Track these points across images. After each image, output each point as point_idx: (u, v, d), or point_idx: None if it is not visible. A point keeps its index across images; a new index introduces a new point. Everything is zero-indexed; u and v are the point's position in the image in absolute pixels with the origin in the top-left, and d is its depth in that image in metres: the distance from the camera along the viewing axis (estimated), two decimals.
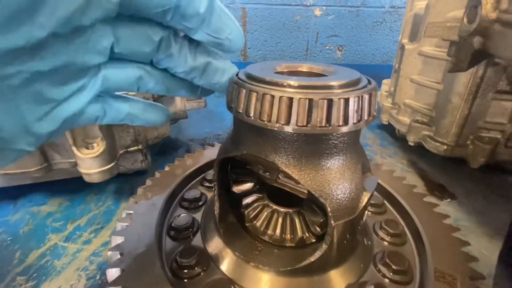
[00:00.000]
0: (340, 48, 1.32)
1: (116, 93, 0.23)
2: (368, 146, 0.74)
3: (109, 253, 0.26)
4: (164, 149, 0.66)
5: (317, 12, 1.24)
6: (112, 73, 0.20)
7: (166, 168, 0.40)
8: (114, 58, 0.19)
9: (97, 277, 0.34)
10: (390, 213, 0.34)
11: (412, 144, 0.65)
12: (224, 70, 0.22)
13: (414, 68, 0.64)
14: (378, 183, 0.36)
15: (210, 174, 0.40)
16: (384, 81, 0.90)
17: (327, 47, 1.32)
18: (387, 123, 0.77)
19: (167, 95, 0.48)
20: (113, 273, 0.24)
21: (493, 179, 0.58)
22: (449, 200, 0.52)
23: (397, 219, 0.33)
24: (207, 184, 0.40)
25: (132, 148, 0.47)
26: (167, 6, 0.17)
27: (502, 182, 0.58)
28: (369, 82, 0.23)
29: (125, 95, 0.24)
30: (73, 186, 0.49)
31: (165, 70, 0.22)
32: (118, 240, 0.27)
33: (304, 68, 0.26)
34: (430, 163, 0.63)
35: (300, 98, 0.18)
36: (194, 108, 0.64)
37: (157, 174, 0.38)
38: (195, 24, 0.18)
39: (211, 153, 0.44)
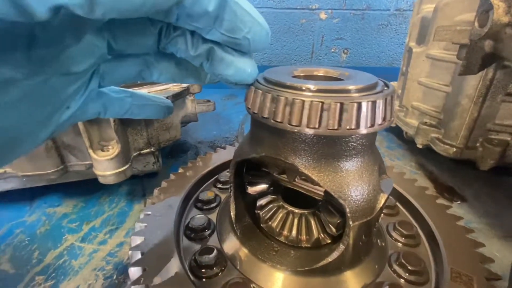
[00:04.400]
0: (345, 51, 1.33)
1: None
2: None
3: (130, 252, 0.26)
4: (173, 151, 0.67)
5: (323, 15, 1.25)
6: (111, 70, 0.19)
7: (180, 170, 0.41)
8: (115, 54, 0.18)
9: (114, 277, 0.35)
10: (403, 215, 0.34)
11: (420, 146, 0.65)
12: (231, 63, 0.19)
13: (422, 71, 0.64)
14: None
15: (223, 176, 0.41)
16: (391, 83, 0.90)
17: (332, 50, 1.33)
18: (394, 125, 0.77)
19: (174, 83, 0.48)
20: (135, 272, 0.25)
21: (503, 181, 0.58)
22: (459, 202, 0.52)
23: (410, 220, 0.33)
24: (220, 185, 0.40)
25: (145, 151, 0.48)
26: (164, 7, 0.14)
27: None
28: (386, 85, 0.24)
29: (128, 90, 0.23)
30: (86, 188, 0.50)
31: (170, 58, 0.20)
32: (137, 240, 0.28)
33: (321, 72, 0.27)
34: (438, 166, 0.63)
35: (331, 103, 0.19)
36: (204, 111, 0.65)
37: (172, 176, 0.39)
38: (205, 23, 0.17)
39: (223, 155, 0.45)
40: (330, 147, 0.21)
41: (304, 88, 0.20)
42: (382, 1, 1.23)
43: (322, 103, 0.19)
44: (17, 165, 0.41)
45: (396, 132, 0.78)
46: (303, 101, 0.19)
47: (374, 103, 0.20)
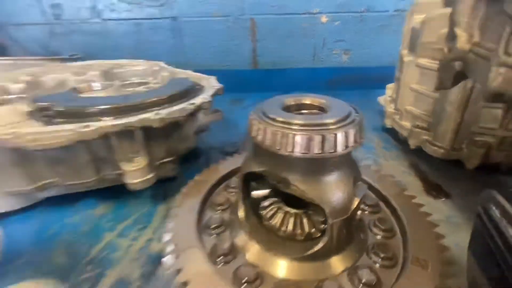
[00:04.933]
0: (346, 52, 1.37)
1: None
2: (372, 149, 0.80)
3: (164, 245, 0.34)
4: (188, 157, 0.75)
5: (323, 19, 1.30)
6: None
7: (196, 177, 0.48)
8: None
9: (148, 265, 0.43)
10: (384, 212, 0.41)
11: (413, 147, 0.70)
12: None
13: (413, 78, 0.69)
14: (374, 187, 0.43)
15: (232, 182, 0.48)
16: (388, 85, 0.95)
17: (334, 52, 1.38)
18: (391, 127, 0.82)
19: None
20: (168, 260, 0.32)
21: (490, 179, 0.63)
22: (443, 199, 0.57)
23: (388, 217, 0.40)
24: (230, 190, 0.47)
25: (166, 159, 0.56)
26: None
27: (497, 181, 0.63)
28: (357, 112, 0.30)
29: None
30: (117, 192, 0.58)
31: None
32: (168, 236, 0.35)
33: (308, 100, 0.34)
34: (429, 165, 0.69)
35: (315, 135, 0.26)
36: (213, 120, 0.73)
37: (190, 183, 0.46)
38: None
39: (231, 163, 0.52)
40: (314, 165, 0.28)
41: (295, 123, 0.27)
42: (381, 2, 1.27)
43: (309, 136, 0.26)
44: (63, 175, 0.50)
45: (392, 133, 0.84)
46: (295, 134, 0.26)
47: (347, 132, 0.26)
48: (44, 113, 0.51)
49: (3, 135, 0.41)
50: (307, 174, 0.29)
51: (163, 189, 0.61)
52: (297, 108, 0.33)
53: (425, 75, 0.65)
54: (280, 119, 0.28)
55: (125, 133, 0.47)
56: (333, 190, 0.28)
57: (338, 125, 0.27)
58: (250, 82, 1.39)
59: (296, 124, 0.27)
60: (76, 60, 1.18)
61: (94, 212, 0.55)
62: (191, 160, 0.74)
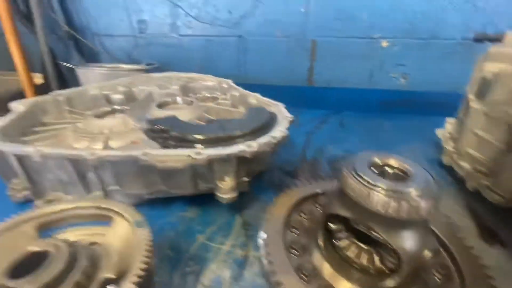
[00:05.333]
0: (405, 76, 1.38)
1: None
2: None
3: (263, 259, 0.45)
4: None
5: (384, 44, 1.32)
6: None
7: (275, 201, 0.58)
8: None
9: (236, 268, 0.54)
10: (444, 258, 0.47)
11: (470, 189, 0.73)
12: None
13: (478, 123, 0.71)
14: (437, 235, 0.49)
15: (304, 208, 0.58)
16: (449, 120, 0.96)
17: (392, 75, 1.39)
18: (448, 164, 0.85)
19: None
20: (269, 275, 0.43)
21: None
22: (498, 247, 0.60)
23: (448, 263, 0.46)
24: (302, 215, 0.57)
25: (245, 179, 0.67)
26: None
27: None
28: (435, 181, 0.37)
29: None
30: (203, 200, 0.71)
31: None
32: (263, 250, 0.46)
33: (392, 161, 0.41)
34: (486, 209, 0.71)
35: (403, 202, 0.34)
36: (281, 144, 0.82)
37: (271, 207, 0.57)
38: None
39: (302, 191, 0.61)
40: (397, 222, 0.36)
41: (385, 188, 0.35)
42: (447, 30, 1.25)
43: (398, 202, 0.34)
44: (169, 185, 0.63)
45: (448, 170, 0.86)
46: (384, 198, 0.34)
47: (428, 202, 0.34)
48: (161, 135, 0.65)
49: (141, 155, 0.55)
50: (389, 226, 0.37)
51: (238, 201, 0.72)
52: (382, 166, 0.41)
53: (492, 123, 0.68)
54: (371, 180, 0.36)
55: (224, 159, 0.58)
56: (409, 241, 0.36)
57: (422, 195, 0.34)
58: (305, 99, 1.47)
59: (385, 189, 0.35)
60: (153, 70, 1.36)
61: (185, 215, 0.68)
62: (257, 177, 0.85)
